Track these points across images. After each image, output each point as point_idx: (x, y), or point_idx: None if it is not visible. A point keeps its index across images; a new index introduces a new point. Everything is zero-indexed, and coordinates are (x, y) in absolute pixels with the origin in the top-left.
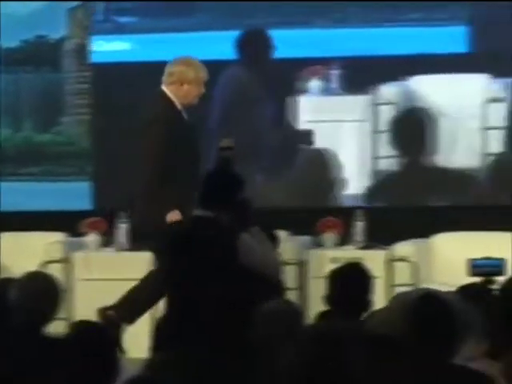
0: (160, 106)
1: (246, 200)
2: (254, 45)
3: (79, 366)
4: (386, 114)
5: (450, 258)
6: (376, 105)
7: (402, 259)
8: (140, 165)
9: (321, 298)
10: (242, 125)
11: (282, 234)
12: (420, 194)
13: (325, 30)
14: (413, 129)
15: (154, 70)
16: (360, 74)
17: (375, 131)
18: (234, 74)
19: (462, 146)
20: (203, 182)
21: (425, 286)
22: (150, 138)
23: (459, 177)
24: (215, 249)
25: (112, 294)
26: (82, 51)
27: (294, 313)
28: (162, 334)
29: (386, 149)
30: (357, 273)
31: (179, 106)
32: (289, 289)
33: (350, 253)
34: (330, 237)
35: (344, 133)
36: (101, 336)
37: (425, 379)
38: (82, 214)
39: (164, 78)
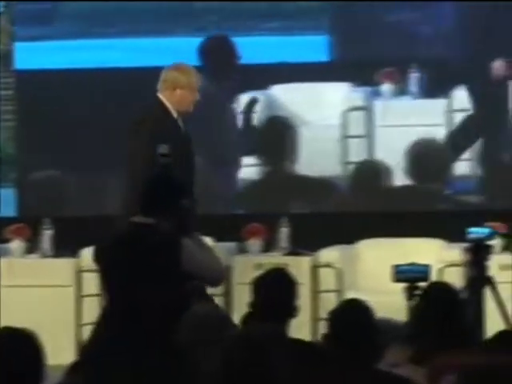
0: (153, 110)
1: (187, 206)
2: (218, 52)
3: (2, 373)
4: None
5: (374, 264)
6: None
7: (326, 265)
8: (128, 167)
9: (246, 303)
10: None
11: (207, 240)
12: (281, 202)
13: (185, 39)
14: (274, 137)
15: (78, 77)
16: None
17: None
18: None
19: (323, 155)
20: (143, 189)
21: (349, 292)
22: (138, 139)
23: (320, 184)
24: (157, 255)
25: (36, 301)
26: (5, 57)
27: (221, 318)
28: (96, 339)
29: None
30: (281, 279)
31: (175, 114)
32: (214, 295)
33: (274, 259)
34: (254, 243)
35: None
36: (25, 343)
37: None
38: (6, 221)
39: (159, 86)
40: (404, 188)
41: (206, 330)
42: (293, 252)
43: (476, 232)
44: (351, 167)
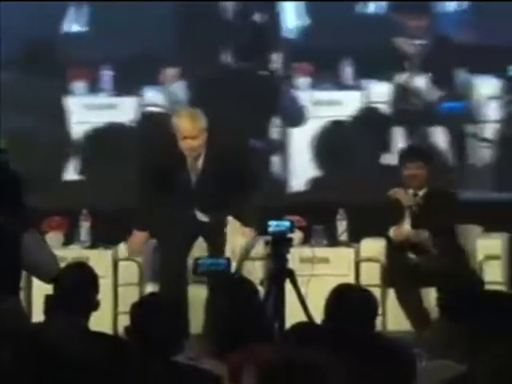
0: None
1: (25, 202)
2: None
3: None
4: None
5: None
6: None
7: (127, 259)
8: None
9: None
10: None
11: None
12: (83, 195)
13: None
14: None
15: None
16: None
17: None
18: None
19: None
20: None
21: (149, 284)
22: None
23: None
24: None
25: None
26: None
27: (12, 311)
28: None
29: None
30: (81, 272)
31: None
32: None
33: (75, 252)
34: (55, 236)
35: None
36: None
37: (151, 377)
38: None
39: None
40: None
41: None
42: (94, 245)
43: (276, 225)
44: None
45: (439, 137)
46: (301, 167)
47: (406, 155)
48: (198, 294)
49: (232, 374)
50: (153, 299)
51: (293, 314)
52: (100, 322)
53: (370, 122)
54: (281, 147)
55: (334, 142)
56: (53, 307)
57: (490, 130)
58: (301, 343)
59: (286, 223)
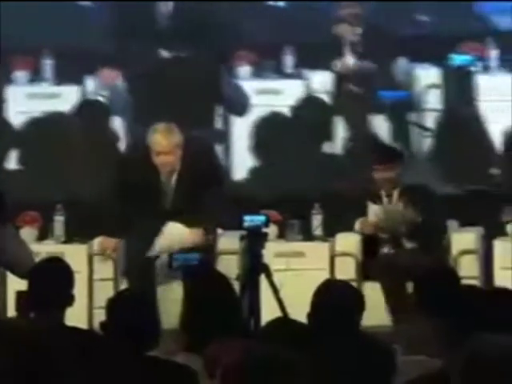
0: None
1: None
2: None
3: None
4: None
5: None
6: None
7: (100, 253)
8: None
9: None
10: None
11: None
12: (59, 189)
13: None
14: None
15: None
16: None
17: None
18: None
19: None
20: None
21: (125, 280)
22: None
23: None
24: None
25: None
26: None
27: None
28: None
29: None
30: (56, 267)
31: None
32: None
33: (50, 247)
34: (29, 231)
35: None
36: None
37: (126, 372)
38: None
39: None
40: None
41: None
42: (69, 240)
43: (251, 220)
44: None
45: (381, 126)
46: (243, 156)
47: (377, 157)
48: (171, 290)
49: (207, 368)
50: (128, 294)
51: (268, 309)
52: (75, 317)
53: (310, 111)
54: (224, 136)
55: (273, 132)
56: (27, 302)
57: (431, 119)
58: (277, 338)
59: (261, 218)
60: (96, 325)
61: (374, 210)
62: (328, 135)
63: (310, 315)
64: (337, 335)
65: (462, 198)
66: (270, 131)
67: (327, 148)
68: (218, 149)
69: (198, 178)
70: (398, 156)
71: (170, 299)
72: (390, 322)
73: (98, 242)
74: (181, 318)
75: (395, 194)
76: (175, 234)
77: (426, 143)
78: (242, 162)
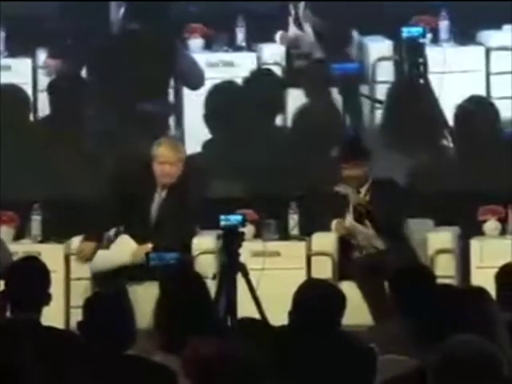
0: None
1: None
2: None
3: None
4: None
5: None
6: None
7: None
8: None
9: None
10: None
11: None
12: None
13: None
14: None
15: None
16: None
17: None
18: None
19: None
20: None
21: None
22: None
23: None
24: None
25: None
26: None
27: None
28: None
29: None
30: (33, 267)
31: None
32: None
33: (26, 247)
34: (5, 231)
35: None
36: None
37: (104, 372)
38: None
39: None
40: None
41: None
42: (46, 240)
43: (227, 219)
44: None
45: (334, 97)
46: (196, 129)
47: (344, 155)
48: (147, 290)
49: (184, 367)
50: (105, 294)
51: (245, 308)
52: (52, 316)
53: (262, 84)
54: (176, 109)
55: (225, 104)
56: (3, 301)
57: (382, 91)
58: (247, 337)
59: (238, 217)
60: (73, 324)
61: (349, 221)
62: (280, 107)
63: (290, 313)
64: (317, 334)
65: (437, 197)
66: (223, 99)
67: (279, 121)
68: (170, 120)
69: (186, 195)
70: (366, 153)
71: (145, 299)
72: (366, 322)
73: (75, 244)
74: (156, 317)
75: (363, 191)
76: (124, 246)
77: (378, 115)
78: (194, 134)
